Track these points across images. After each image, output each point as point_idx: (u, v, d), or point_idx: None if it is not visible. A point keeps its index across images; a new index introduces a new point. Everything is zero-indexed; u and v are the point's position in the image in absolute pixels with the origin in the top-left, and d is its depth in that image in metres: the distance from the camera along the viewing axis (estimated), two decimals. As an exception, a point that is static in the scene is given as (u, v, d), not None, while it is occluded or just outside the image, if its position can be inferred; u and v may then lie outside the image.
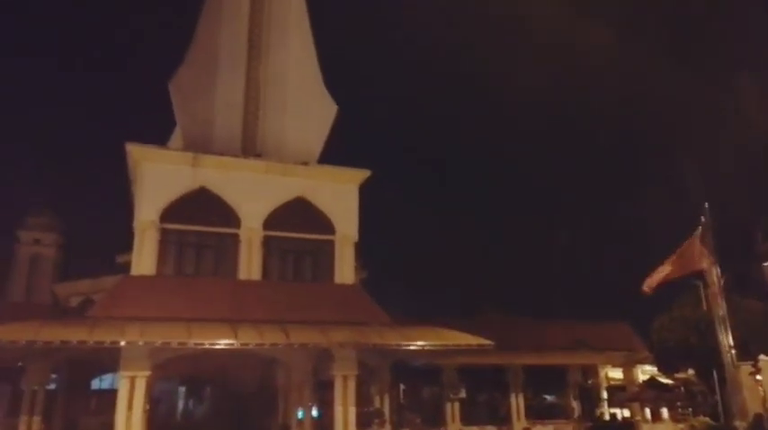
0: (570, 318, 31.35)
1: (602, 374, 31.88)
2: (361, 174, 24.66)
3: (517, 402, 28.61)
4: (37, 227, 52.13)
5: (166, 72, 24.24)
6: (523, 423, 28.24)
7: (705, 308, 22.01)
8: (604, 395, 31.26)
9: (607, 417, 30.20)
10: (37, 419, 21.05)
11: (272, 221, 23.13)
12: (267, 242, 22.94)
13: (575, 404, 30.22)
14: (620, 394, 30.46)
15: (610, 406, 31.04)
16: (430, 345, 19.76)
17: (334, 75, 27.24)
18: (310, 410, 22.58)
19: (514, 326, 28.69)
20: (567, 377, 30.53)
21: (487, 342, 20.28)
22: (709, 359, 22.45)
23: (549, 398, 32.06)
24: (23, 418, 20.90)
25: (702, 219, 18.29)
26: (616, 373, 32.30)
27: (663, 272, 18.43)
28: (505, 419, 28.54)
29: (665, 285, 18.60)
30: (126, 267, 23.24)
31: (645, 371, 31.87)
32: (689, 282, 23.65)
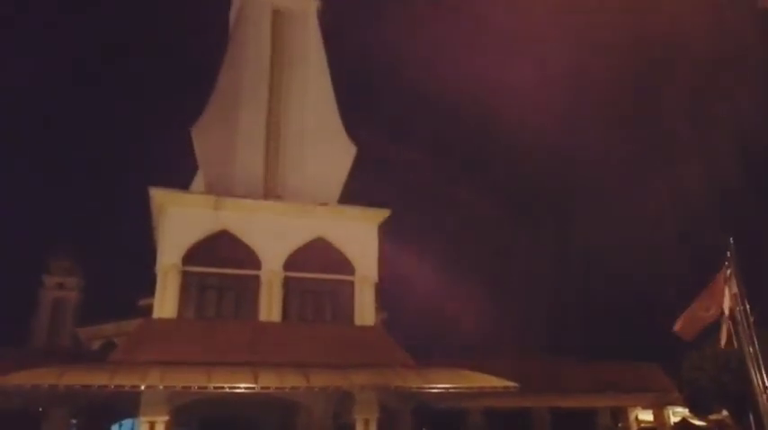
0: (596, 356, 30.60)
1: (631, 417, 30.83)
2: (381, 214, 24.73)
3: (544, 446, 27.72)
4: (60, 271, 52.94)
5: (188, 117, 24.87)
6: (551, 468, 27.31)
7: (736, 345, 21.32)
8: (635, 438, 30.19)
9: (639, 462, 29.08)
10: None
11: (293, 262, 23.19)
12: (287, 283, 22.94)
13: (604, 448, 29.18)
14: (651, 437, 29.40)
15: (641, 450, 29.93)
16: (453, 388, 19.33)
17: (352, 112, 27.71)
18: (331, 455, 22.07)
19: (540, 367, 28.03)
20: (595, 420, 29.56)
21: (512, 384, 19.80)
22: (743, 399, 21.60)
23: (577, 442, 30.99)
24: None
25: (728, 253, 17.87)
26: (646, 415, 31.23)
27: (697, 314, 17.89)
28: (533, 464, 27.61)
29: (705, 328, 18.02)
30: (148, 310, 23.37)
31: (676, 413, 30.75)
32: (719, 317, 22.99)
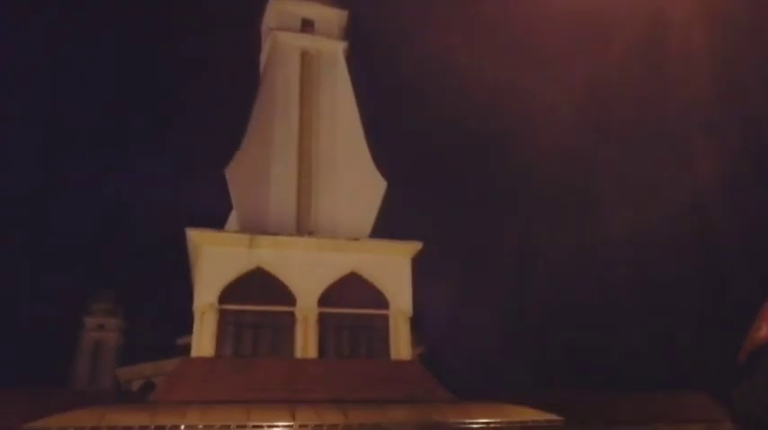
0: (643, 387, 29.56)
1: (682, 450, 29.52)
2: (413, 247, 24.70)
3: (591, 483, 26.66)
4: (100, 312, 53.91)
5: (221, 159, 25.45)
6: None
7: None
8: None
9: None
10: None
11: (327, 298, 23.25)
12: (322, 319, 22.96)
13: (655, 484, 27.91)
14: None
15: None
16: (494, 422, 18.88)
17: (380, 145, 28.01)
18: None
19: (583, 399, 27.16)
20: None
21: (556, 417, 19.28)
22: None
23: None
24: None
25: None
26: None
27: (752, 336, 17.36)
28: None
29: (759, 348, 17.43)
30: (186, 349, 23.61)
31: (730, 445, 29.33)
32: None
